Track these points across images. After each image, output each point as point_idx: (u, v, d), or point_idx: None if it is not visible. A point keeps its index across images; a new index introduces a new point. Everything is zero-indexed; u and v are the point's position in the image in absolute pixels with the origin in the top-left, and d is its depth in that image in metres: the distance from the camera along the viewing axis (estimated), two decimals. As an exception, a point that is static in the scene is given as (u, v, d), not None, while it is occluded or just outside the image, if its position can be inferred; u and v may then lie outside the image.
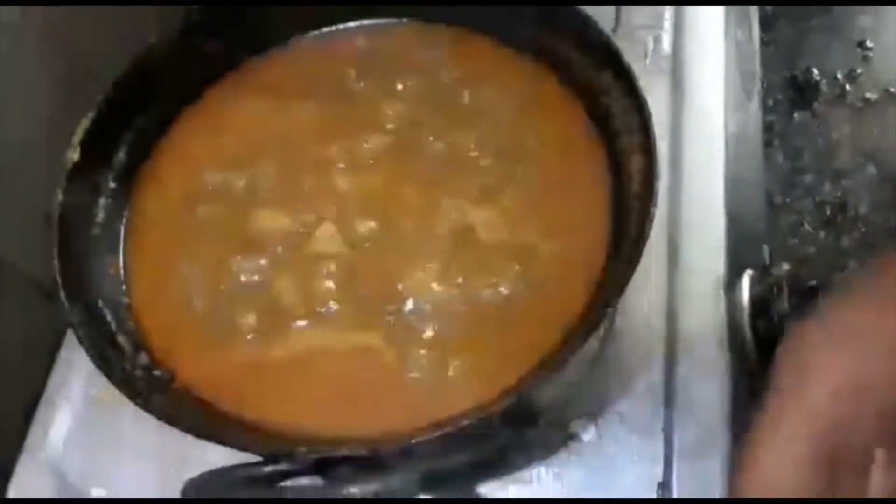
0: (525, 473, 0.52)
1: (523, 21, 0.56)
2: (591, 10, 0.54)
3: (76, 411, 0.59)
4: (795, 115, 0.80)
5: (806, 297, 0.59)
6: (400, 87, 0.57)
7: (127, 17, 0.70)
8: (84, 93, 0.54)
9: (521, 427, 0.52)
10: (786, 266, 0.68)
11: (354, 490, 0.43)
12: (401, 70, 0.58)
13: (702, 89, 0.65)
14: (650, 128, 0.47)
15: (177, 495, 0.44)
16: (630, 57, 0.50)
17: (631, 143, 0.49)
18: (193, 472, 0.53)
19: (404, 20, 0.60)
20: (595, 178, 0.51)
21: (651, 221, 0.45)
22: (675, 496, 0.50)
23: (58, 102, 0.64)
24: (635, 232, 0.46)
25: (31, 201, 0.55)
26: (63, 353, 0.61)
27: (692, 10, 0.69)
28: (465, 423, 0.42)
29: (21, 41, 0.62)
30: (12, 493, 0.57)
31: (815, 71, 0.82)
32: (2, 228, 0.61)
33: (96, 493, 0.56)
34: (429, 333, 0.48)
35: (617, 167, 0.50)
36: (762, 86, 0.80)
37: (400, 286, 0.49)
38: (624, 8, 0.68)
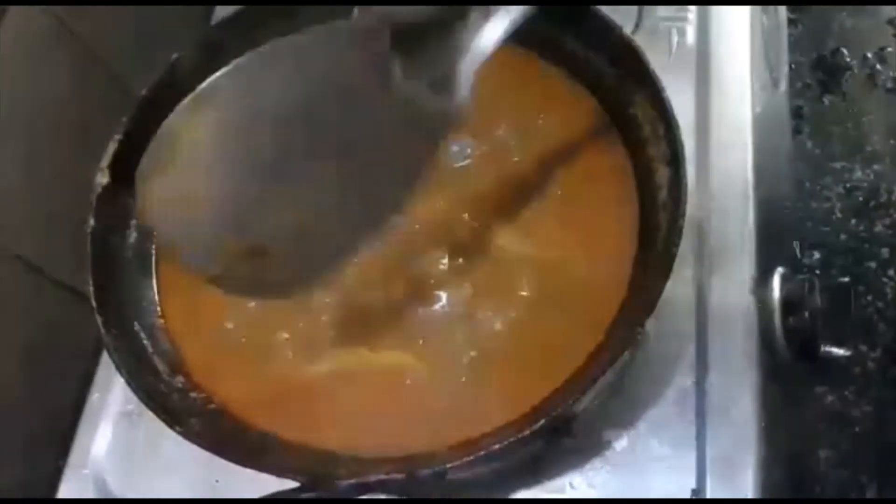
0: (558, 482, 0.52)
1: (545, 25, 0.55)
2: (612, 9, 0.53)
3: (117, 425, 0.60)
4: (825, 98, 0.78)
5: (837, 293, 0.58)
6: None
7: (154, 25, 0.71)
8: (115, 103, 0.54)
9: (555, 437, 0.52)
10: (817, 255, 0.67)
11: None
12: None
13: (728, 81, 0.64)
14: (677, 139, 0.47)
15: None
16: (654, 51, 0.50)
17: (658, 153, 0.49)
18: (233, 483, 0.55)
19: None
20: (621, 189, 0.51)
21: (680, 234, 0.45)
22: (708, 502, 0.51)
23: (88, 111, 0.64)
24: (664, 245, 0.46)
25: (64, 210, 0.56)
26: (102, 367, 0.62)
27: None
28: (498, 446, 0.42)
29: (52, 52, 0.62)
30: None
31: (845, 51, 0.80)
32: (37, 237, 0.62)
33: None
34: (460, 351, 0.49)
35: (644, 176, 0.50)
36: (790, 68, 0.79)
37: (431, 304, 0.50)
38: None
